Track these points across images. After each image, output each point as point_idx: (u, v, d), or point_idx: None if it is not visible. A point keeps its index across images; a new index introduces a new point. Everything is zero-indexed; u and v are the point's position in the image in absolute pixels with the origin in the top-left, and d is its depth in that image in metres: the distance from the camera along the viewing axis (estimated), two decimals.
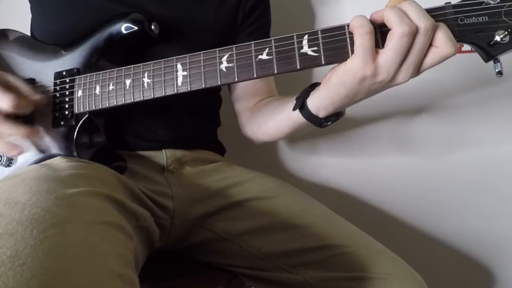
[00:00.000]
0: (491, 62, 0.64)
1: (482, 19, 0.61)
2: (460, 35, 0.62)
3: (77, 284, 0.47)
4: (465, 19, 0.62)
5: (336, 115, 0.82)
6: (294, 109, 0.85)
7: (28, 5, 1.05)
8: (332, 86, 0.74)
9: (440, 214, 1.33)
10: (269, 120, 0.99)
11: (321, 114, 0.81)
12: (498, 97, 1.20)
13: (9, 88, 0.81)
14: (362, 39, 0.64)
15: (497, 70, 0.63)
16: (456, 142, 1.27)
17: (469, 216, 1.30)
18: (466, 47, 1.13)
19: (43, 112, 0.88)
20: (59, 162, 0.75)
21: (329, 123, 0.83)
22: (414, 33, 0.62)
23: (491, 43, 0.61)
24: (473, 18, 0.61)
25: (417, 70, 0.67)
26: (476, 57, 0.66)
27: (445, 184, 1.31)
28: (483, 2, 0.61)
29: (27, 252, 0.47)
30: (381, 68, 0.65)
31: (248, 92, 1.12)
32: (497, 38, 0.60)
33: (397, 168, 1.35)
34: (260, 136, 1.06)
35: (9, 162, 0.91)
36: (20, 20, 1.03)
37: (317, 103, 0.80)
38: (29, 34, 1.02)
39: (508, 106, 1.19)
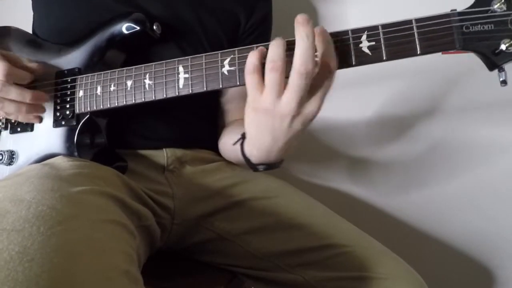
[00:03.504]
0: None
1: (488, 27, 0.60)
2: (465, 43, 0.61)
3: (86, 279, 0.48)
4: (471, 27, 0.61)
5: (267, 165, 0.83)
6: (234, 144, 0.88)
7: (29, 4, 1.04)
8: (247, 124, 0.76)
9: (440, 214, 1.32)
10: (226, 145, 1.02)
11: (252, 158, 0.83)
12: (498, 98, 1.19)
13: (9, 59, 0.82)
14: (270, 76, 0.65)
15: (501, 79, 0.63)
16: (456, 142, 1.26)
17: (469, 216, 1.29)
18: None
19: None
20: (61, 161, 0.75)
21: (260, 169, 0.84)
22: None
23: (496, 51, 0.60)
24: (479, 26, 0.60)
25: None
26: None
27: (445, 184, 1.30)
28: (489, 10, 0.60)
29: (35, 248, 0.47)
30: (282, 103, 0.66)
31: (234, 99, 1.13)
32: (503, 46, 0.59)
33: (397, 168, 1.34)
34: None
35: (10, 160, 0.91)
36: (21, 20, 1.02)
37: (247, 144, 0.82)
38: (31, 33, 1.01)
39: (509, 106, 1.19)
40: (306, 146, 1.43)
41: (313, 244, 0.90)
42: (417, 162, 1.32)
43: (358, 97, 1.31)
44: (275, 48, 0.65)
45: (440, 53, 1.16)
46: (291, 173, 1.47)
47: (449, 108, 1.25)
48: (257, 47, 0.71)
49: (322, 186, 1.43)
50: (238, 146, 0.87)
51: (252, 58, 0.67)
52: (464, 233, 1.31)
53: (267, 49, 0.66)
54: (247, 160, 0.85)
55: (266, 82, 0.66)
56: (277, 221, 0.94)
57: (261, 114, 0.70)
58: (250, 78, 0.68)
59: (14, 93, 0.81)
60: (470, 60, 1.13)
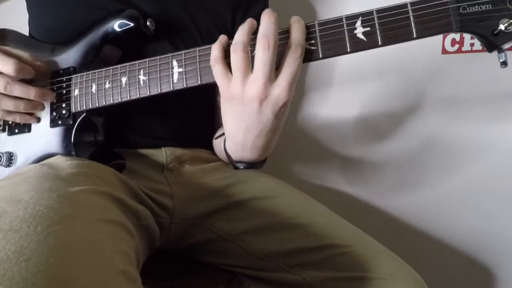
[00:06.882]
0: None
1: (486, 7, 0.56)
2: (462, 24, 0.57)
3: (82, 279, 0.46)
4: (468, 8, 0.57)
5: (247, 164, 0.81)
6: (216, 138, 0.88)
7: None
8: (222, 116, 0.74)
9: (440, 214, 1.30)
10: (214, 142, 1.02)
11: (232, 154, 0.81)
12: (498, 97, 1.16)
13: (10, 56, 0.81)
14: (232, 57, 0.65)
15: (501, 61, 0.59)
16: (457, 142, 1.23)
17: (470, 216, 1.27)
18: (466, 47, 1.12)
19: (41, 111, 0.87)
20: (60, 161, 0.74)
21: (240, 167, 0.82)
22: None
23: (495, 32, 0.56)
24: (476, 6, 0.56)
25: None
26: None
27: (445, 184, 1.27)
28: None
29: (32, 248, 0.46)
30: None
31: None
32: (501, 27, 0.55)
33: (397, 168, 1.32)
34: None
35: (9, 162, 0.89)
36: (21, 24, 1.00)
37: (226, 139, 0.81)
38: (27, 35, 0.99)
39: (509, 105, 1.16)
40: (307, 145, 1.41)
41: (313, 244, 0.88)
42: (416, 161, 1.29)
43: (358, 96, 1.29)
44: (239, 33, 0.65)
45: (435, 52, 1.16)
46: (290, 173, 1.45)
47: (448, 106, 1.22)
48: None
49: (321, 185, 1.41)
50: (222, 141, 0.86)
51: (213, 51, 0.67)
52: (464, 232, 1.29)
53: None
54: (228, 156, 0.83)
55: (231, 66, 0.65)
56: (277, 221, 0.91)
57: (231, 102, 0.68)
58: (215, 69, 0.67)
59: (18, 90, 0.80)
60: (467, 57, 1.12)
